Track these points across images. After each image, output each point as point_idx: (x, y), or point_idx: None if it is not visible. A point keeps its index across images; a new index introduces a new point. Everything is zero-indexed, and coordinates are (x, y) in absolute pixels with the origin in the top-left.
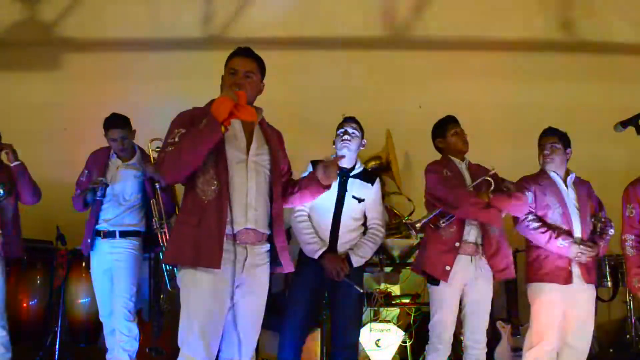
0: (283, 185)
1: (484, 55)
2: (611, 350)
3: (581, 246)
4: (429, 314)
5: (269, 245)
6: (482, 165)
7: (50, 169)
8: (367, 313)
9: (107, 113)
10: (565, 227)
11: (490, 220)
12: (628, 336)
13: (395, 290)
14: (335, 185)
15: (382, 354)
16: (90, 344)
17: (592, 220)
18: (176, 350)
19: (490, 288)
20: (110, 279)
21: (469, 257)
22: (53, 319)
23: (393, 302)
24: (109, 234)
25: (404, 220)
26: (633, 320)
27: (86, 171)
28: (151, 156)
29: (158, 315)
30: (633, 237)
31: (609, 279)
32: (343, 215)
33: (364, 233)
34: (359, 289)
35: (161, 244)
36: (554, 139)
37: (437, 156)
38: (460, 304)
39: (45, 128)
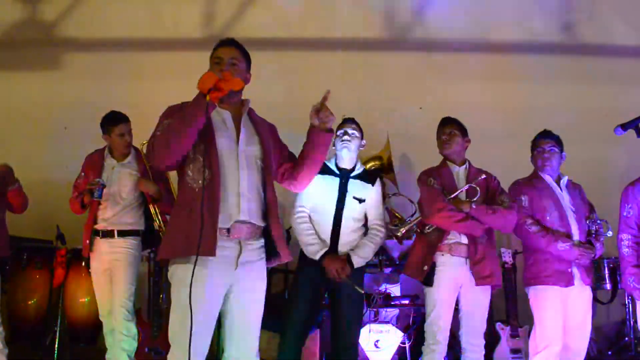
0: (288, 169)
1: (484, 58)
2: (610, 353)
3: (581, 248)
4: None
5: (263, 240)
6: (484, 170)
7: (51, 168)
8: (367, 314)
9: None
10: (562, 230)
11: (468, 231)
12: (627, 339)
13: (395, 291)
14: (335, 186)
15: (381, 354)
16: (90, 344)
17: (588, 222)
18: None
19: (488, 291)
20: (109, 279)
21: (463, 259)
22: (53, 319)
23: (392, 303)
24: (108, 234)
25: (389, 226)
26: (632, 323)
27: (82, 174)
28: (144, 157)
29: (157, 315)
30: (630, 236)
31: (607, 281)
32: (344, 216)
33: (364, 234)
34: (360, 289)
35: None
36: (552, 142)
37: (436, 158)
38: (457, 305)
39: (45, 127)
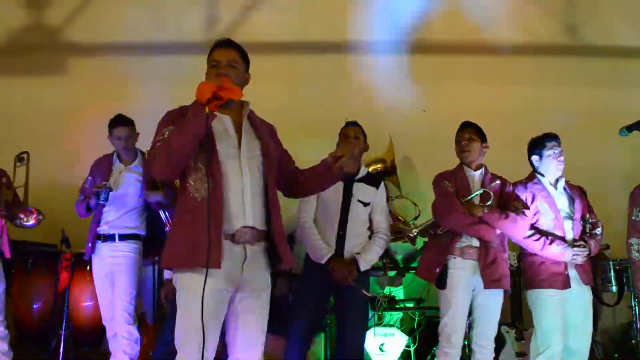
0: (289, 176)
1: (487, 60)
2: (616, 355)
3: (575, 248)
4: (433, 318)
5: (265, 244)
6: (498, 176)
7: (56, 172)
8: (371, 317)
9: (112, 116)
10: (557, 232)
11: (479, 235)
12: (633, 341)
13: (399, 294)
14: (340, 190)
15: (386, 358)
16: (94, 347)
17: (581, 222)
18: None
19: (500, 295)
20: (111, 283)
21: (474, 262)
22: (58, 322)
23: (397, 306)
24: (109, 238)
25: (401, 226)
26: (638, 325)
27: (89, 178)
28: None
29: (162, 319)
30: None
31: (614, 283)
32: (349, 219)
33: (369, 237)
34: (366, 293)
35: None
36: (558, 144)
37: (439, 161)
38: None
39: (51, 132)
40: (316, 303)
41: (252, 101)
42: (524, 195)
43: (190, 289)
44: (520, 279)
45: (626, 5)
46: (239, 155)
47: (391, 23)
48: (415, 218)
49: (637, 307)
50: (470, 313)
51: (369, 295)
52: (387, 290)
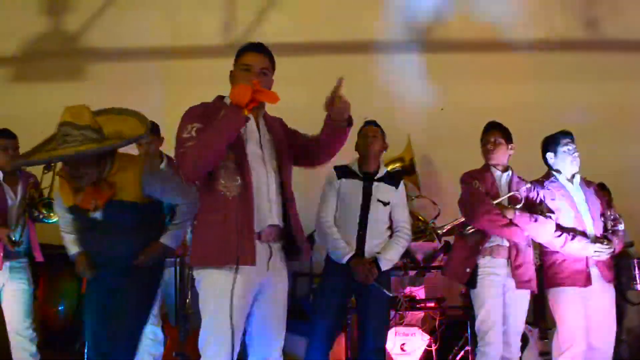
0: (304, 148)
1: (505, 57)
2: None
3: (597, 244)
4: (454, 317)
5: (283, 241)
6: (524, 179)
7: None
8: (392, 317)
9: None
10: (578, 228)
11: (510, 236)
12: None
13: (420, 293)
14: (360, 190)
15: (408, 358)
16: None
17: (602, 219)
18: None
19: (528, 293)
20: None
21: (504, 261)
22: (81, 324)
23: (418, 305)
24: None
25: (429, 225)
26: None
27: None
28: (174, 169)
29: (184, 320)
30: None
31: (638, 281)
32: (369, 219)
33: (390, 236)
34: (388, 292)
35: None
36: (572, 140)
37: (458, 159)
38: None
39: None
40: (337, 303)
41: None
42: (543, 193)
43: (217, 289)
44: (542, 278)
45: None
46: (262, 155)
47: (408, 22)
48: (435, 217)
49: None
50: None
51: (390, 294)
52: (408, 289)
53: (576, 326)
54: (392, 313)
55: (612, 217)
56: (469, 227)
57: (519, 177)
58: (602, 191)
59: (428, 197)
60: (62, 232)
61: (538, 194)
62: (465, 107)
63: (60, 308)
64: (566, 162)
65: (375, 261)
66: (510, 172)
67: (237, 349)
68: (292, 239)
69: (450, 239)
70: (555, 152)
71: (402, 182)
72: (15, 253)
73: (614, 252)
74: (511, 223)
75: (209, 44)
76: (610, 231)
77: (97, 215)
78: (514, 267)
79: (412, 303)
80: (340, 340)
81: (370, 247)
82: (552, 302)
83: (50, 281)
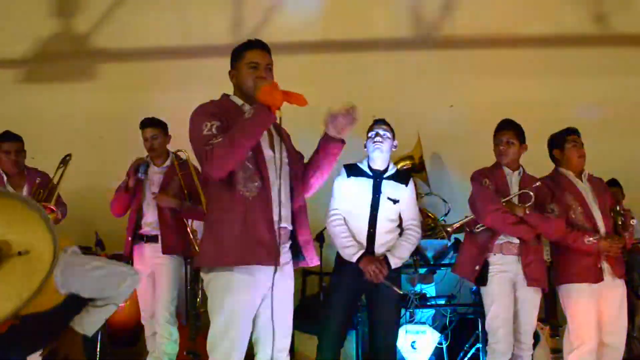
0: (304, 172)
1: (514, 53)
2: None
3: (609, 240)
4: (465, 315)
5: (291, 242)
6: (535, 177)
7: (88, 176)
8: (403, 315)
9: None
10: (588, 225)
11: (519, 235)
12: None
13: (430, 291)
14: (369, 188)
15: (418, 356)
16: (130, 347)
17: (612, 214)
18: None
19: (539, 291)
20: (152, 283)
21: (515, 257)
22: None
23: (428, 303)
24: (152, 238)
25: (439, 223)
26: None
27: (127, 177)
28: (177, 166)
29: (195, 319)
30: None
31: None
32: (379, 217)
33: (399, 234)
34: (398, 290)
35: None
36: (578, 136)
37: (468, 156)
38: None
39: (82, 137)
40: (348, 302)
41: None
42: (552, 190)
43: (230, 290)
44: (552, 274)
45: None
46: (273, 157)
47: (416, 19)
48: (445, 215)
49: None
50: None
51: (401, 292)
52: (418, 287)
53: (588, 323)
54: (403, 311)
55: (622, 212)
56: (478, 225)
57: (529, 176)
58: (613, 187)
59: (438, 194)
60: None
61: (550, 191)
62: (475, 104)
63: None
64: (574, 158)
65: (385, 259)
66: (521, 170)
67: (244, 349)
68: (295, 243)
69: (460, 236)
70: (562, 149)
71: (411, 180)
72: None
73: (625, 247)
74: (521, 221)
75: (219, 44)
76: (620, 226)
77: None
78: (525, 265)
79: (423, 300)
80: (350, 338)
81: (380, 245)
82: (564, 298)
83: None
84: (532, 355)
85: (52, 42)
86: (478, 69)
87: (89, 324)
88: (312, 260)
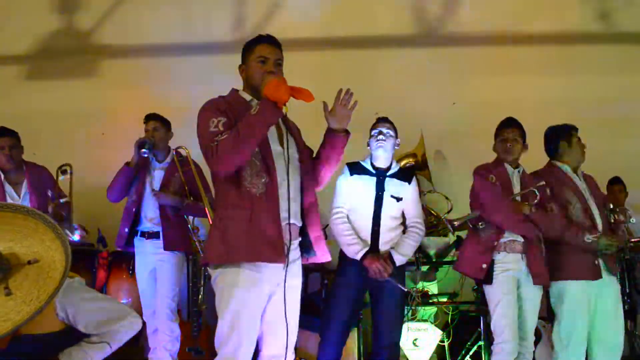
0: (312, 165)
1: (518, 50)
2: None
3: (608, 237)
4: (467, 312)
5: (300, 238)
6: (534, 176)
7: (90, 172)
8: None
9: (143, 117)
10: (587, 220)
11: (525, 233)
12: None
13: (432, 288)
14: (372, 186)
15: (420, 353)
16: (131, 344)
17: (606, 212)
18: (214, 349)
19: (540, 288)
20: (154, 280)
21: (519, 255)
22: None
23: (430, 300)
24: (153, 235)
25: (442, 217)
26: None
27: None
28: (177, 163)
29: (196, 315)
30: None
31: None
32: (382, 215)
33: (403, 232)
34: (403, 287)
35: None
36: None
37: (471, 154)
38: None
39: (84, 133)
40: (352, 300)
41: None
42: (552, 184)
43: (237, 286)
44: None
45: None
46: (283, 152)
47: (419, 16)
48: (448, 212)
49: None
50: None
51: (406, 289)
52: (420, 285)
53: (582, 320)
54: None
55: (618, 209)
56: (481, 222)
57: (528, 174)
58: (617, 184)
59: (441, 191)
60: None
61: (551, 185)
62: (478, 102)
63: None
64: (578, 154)
65: (389, 257)
66: (521, 168)
67: (253, 345)
68: (306, 239)
69: (462, 233)
70: (569, 143)
71: (414, 178)
72: None
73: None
74: (527, 219)
75: (221, 40)
76: (613, 224)
77: None
78: (530, 263)
79: (425, 298)
80: (352, 335)
81: (384, 243)
82: (558, 295)
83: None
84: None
85: (55, 39)
86: (481, 67)
87: (76, 358)
88: (324, 255)
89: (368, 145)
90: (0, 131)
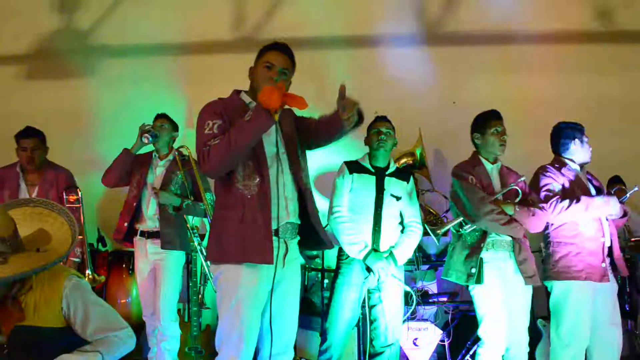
0: (312, 132)
1: (518, 49)
2: None
3: (615, 197)
4: (467, 312)
5: (299, 237)
6: (513, 170)
7: (89, 172)
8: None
9: (142, 117)
10: (595, 220)
11: (513, 234)
12: None
13: (432, 288)
14: (372, 185)
15: (420, 352)
16: None
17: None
18: (214, 349)
19: (531, 288)
20: (154, 279)
21: (507, 253)
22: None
23: (430, 300)
24: (153, 235)
25: (441, 218)
26: None
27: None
28: (179, 162)
29: (196, 315)
30: None
31: None
32: (383, 214)
33: (401, 231)
34: (406, 287)
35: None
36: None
37: (470, 153)
38: None
39: (83, 133)
40: (353, 298)
41: None
42: (560, 180)
43: (236, 286)
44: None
45: None
46: (277, 153)
47: (418, 15)
48: (446, 211)
49: None
50: None
51: (408, 288)
52: (420, 284)
53: (584, 321)
54: (405, 308)
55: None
56: (467, 226)
57: (507, 168)
58: (617, 183)
59: (440, 191)
60: None
61: (526, 184)
62: (477, 101)
63: None
64: (586, 152)
65: (391, 255)
66: (499, 163)
67: (254, 344)
68: (313, 231)
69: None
70: (581, 141)
71: (412, 177)
72: None
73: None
74: (512, 220)
75: (220, 40)
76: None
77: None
78: (519, 263)
79: (425, 297)
80: (353, 334)
81: (385, 242)
82: (561, 294)
83: None
84: (534, 352)
85: (54, 39)
86: (481, 66)
87: None
88: (330, 242)
89: (365, 143)
90: (25, 132)
